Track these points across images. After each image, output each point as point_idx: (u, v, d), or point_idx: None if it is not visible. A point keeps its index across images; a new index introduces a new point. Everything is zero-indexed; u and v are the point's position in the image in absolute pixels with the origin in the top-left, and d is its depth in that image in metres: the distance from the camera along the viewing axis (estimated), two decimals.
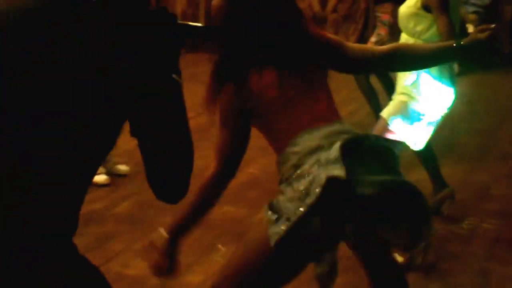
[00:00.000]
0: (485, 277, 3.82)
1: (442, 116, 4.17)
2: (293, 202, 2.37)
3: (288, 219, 2.35)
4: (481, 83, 8.58)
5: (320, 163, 2.36)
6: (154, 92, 1.68)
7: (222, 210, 4.57)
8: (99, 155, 1.76)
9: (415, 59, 2.71)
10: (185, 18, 9.81)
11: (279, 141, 2.55)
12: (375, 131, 4.04)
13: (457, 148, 6.08)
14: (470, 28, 8.85)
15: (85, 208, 4.98)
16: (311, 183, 2.34)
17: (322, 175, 2.30)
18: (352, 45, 2.76)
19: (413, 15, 4.16)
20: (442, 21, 3.99)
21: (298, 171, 2.43)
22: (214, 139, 2.63)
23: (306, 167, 2.40)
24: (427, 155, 4.40)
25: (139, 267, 3.90)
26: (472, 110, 7.31)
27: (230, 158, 2.64)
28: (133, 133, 1.71)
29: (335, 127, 2.52)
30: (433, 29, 4.11)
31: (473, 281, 3.78)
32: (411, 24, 4.19)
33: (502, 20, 9.32)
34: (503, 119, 6.98)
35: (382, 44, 6.21)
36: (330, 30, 9.45)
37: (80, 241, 4.24)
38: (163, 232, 2.69)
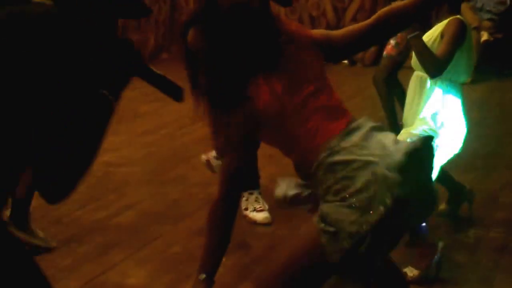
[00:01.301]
0: (488, 286, 3.76)
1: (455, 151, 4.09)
2: (351, 217, 2.34)
3: (351, 236, 2.34)
4: (494, 90, 8.51)
5: (376, 176, 2.34)
6: (71, 99, 1.76)
7: None
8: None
9: (401, 17, 2.67)
10: None
11: (300, 147, 2.52)
12: None
13: (466, 155, 5.97)
14: (485, 36, 8.81)
15: (88, 218, 5.05)
16: (371, 199, 2.33)
17: (386, 193, 2.31)
18: (336, 32, 2.75)
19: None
20: (445, 48, 3.89)
21: (354, 185, 2.37)
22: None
23: (362, 180, 2.36)
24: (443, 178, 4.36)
25: (139, 277, 3.89)
26: (484, 117, 7.24)
27: (237, 179, 2.64)
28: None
29: (363, 124, 2.51)
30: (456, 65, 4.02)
31: None
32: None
33: None
34: None
35: (400, 46, 6.21)
36: None
37: (82, 250, 4.31)
38: (201, 276, 2.74)
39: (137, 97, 7.92)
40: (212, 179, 4.65)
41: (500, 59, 9.12)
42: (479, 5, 8.97)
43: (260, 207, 4.52)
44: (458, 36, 3.93)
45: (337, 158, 2.42)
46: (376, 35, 2.74)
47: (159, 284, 3.80)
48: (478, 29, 8.80)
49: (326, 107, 2.55)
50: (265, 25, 2.63)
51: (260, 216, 4.50)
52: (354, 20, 9.97)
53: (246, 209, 4.54)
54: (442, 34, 3.98)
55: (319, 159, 2.45)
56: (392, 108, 6.28)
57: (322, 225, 2.39)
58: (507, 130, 6.79)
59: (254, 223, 4.47)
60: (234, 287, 3.75)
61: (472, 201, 4.61)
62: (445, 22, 4.00)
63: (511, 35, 9.15)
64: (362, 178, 2.36)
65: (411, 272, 3.75)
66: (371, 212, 2.32)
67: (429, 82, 4.02)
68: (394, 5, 2.68)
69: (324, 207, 2.42)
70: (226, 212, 2.64)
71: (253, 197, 4.54)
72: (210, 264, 2.69)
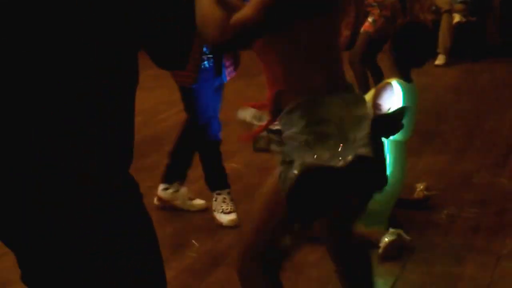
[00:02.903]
0: (461, 266, 3.80)
1: None
2: (309, 153, 2.37)
3: (302, 165, 2.35)
4: (469, 73, 8.56)
5: (347, 139, 2.40)
6: None
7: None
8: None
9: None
10: None
11: (291, 80, 2.47)
12: None
13: (441, 136, 6.06)
14: (457, 18, 8.86)
15: None
16: (334, 154, 2.37)
17: (349, 152, 2.37)
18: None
19: None
20: None
21: (322, 141, 2.39)
22: None
23: (331, 140, 2.39)
24: None
25: None
26: (459, 100, 7.30)
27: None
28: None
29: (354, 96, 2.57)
30: None
31: (449, 270, 3.76)
32: None
33: (490, 10, 9.28)
34: (489, 108, 6.95)
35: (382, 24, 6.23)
36: None
37: None
38: None
39: None
40: None
41: (473, 41, 9.18)
42: None
43: (227, 209, 4.40)
44: (385, 101, 3.95)
45: (319, 113, 2.43)
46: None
47: None
48: (450, 11, 8.84)
49: (340, 63, 2.59)
50: None
51: (227, 218, 4.36)
52: None
53: (214, 210, 4.45)
54: (373, 101, 3.97)
55: (305, 99, 2.43)
56: (366, 90, 6.30)
57: (282, 167, 2.42)
58: (481, 111, 6.84)
59: (220, 225, 4.36)
60: (208, 273, 3.77)
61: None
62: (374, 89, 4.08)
63: (483, 18, 9.21)
64: (332, 139, 2.39)
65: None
66: (328, 156, 2.36)
67: None
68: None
69: (286, 148, 2.43)
70: None
71: (220, 197, 4.41)
72: None
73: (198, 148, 4.47)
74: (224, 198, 4.40)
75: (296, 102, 2.43)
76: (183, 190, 4.60)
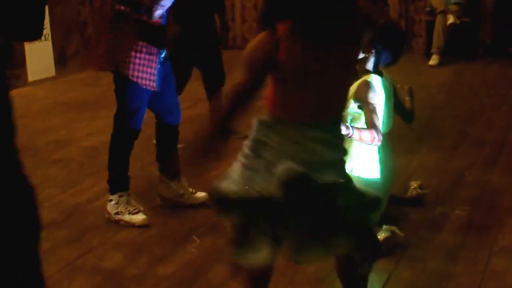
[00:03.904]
0: (454, 262, 3.86)
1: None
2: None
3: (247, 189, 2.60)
4: (462, 72, 8.67)
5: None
6: None
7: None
8: None
9: None
10: None
11: (280, 108, 2.69)
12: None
13: (435, 134, 6.16)
14: (451, 19, 8.95)
15: (69, 202, 5.11)
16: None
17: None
18: None
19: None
20: (369, 117, 3.99)
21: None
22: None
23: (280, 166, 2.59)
24: None
25: (115, 260, 3.97)
26: (452, 98, 7.40)
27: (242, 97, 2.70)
28: None
29: (318, 133, 2.69)
30: None
31: (442, 267, 3.82)
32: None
33: (483, 11, 9.38)
34: (482, 107, 7.06)
35: None
36: None
37: (61, 233, 4.38)
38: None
39: None
40: None
41: (467, 42, 9.30)
42: None
43: (134, 209, 4.41)
44: (372, 98, 4.05)
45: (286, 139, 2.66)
46: None
47: (134, 266, 3.90)
48: (444, 12, 8.94)
49: (324, 96, 2.69)
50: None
51: (138, 218, 4.38)
52: None
53: (118, 213, 4.41)
54: (355, 99, 4.07)
55: (283, 122, 2.67)
56: None
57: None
58: (474, 110, 6.95)
59: (132, 226, 4.37)
60: (208, 268, 3.85)
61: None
62: (355, 85, 4.11)
63: (477, 18, 9.32)
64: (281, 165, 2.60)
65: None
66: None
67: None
68: None
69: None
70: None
71: (123, 199, 4.41)
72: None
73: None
74: (128, 200, 4.43)
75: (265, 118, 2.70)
76: (184, 184, 4.68)
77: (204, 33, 5.81)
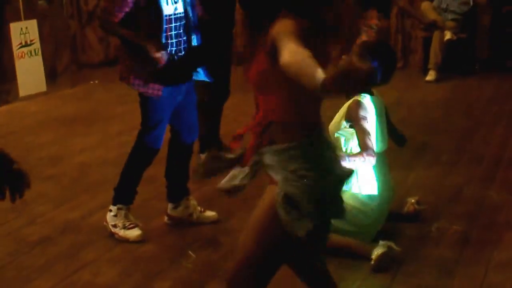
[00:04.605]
0: (450, 278, 3.86)
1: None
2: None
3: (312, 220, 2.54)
4: (459, 87, 8.68)
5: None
6: None
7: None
8: None
9: None
10: None
11: (288, 114, 2.58)
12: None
13: (432, 150, 6.16)
14: (448, 35, 8.98)
15: (62, 218, 5.10)
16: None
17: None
18: None
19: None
20: (361, 137, 4.03)
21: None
22: None
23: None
24: None
25: (110, 275, 3.96)
26: (448, 114, 7.40)
27: None
28: None
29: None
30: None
31: (438, 282, 3.82)
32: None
33: (480, 27, 9.41)
34: (479, 122, 7.06)
35: None
36: None
37: (55, 249, 4.36)
38: None
39: (112, 98, 8.01)
40: None
41: (464, 58, 9.32)
42: (443, 5, 9.16)
43: (131, 224, 4.39)
44: (363, 117, 4.05)
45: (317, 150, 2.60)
46: None
47: (130, 282, 3.88)
48: (441, 29, 8.97)
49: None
50: None
51: (133, 234, 4.36)
52: None
53: (115, 226, 4.39)
54: (346, 119, 4.12)
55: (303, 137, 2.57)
56: None
57: (285, 205, 2.53)
58: (471, 126, 6.94)
59: (126, 241, 4.35)
60: (203, 284, 3.83)
61: None
62: (346, 106, 4.14)
63: (474, 34, 9.34)
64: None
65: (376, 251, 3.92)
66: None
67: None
68: None
69: (289, 188, 2.53)
70: None
71: (122, 212, 4.39)
72: None
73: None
74: (126, 214, 4.42)
75: (296, 141, 2.56)
76: (193, 203, 4.63)
77: (223, 45, 5.65)
